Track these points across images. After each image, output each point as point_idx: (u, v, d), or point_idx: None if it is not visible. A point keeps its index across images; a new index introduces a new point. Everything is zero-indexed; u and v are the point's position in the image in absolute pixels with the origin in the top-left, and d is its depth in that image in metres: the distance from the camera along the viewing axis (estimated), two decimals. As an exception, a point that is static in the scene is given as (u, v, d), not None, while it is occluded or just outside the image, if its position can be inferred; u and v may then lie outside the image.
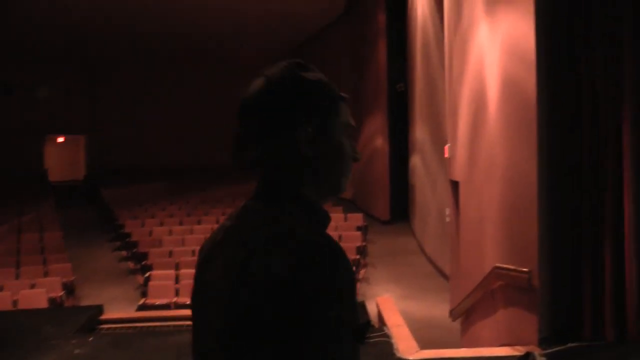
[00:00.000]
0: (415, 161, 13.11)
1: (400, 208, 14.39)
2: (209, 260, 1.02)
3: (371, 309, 6.43)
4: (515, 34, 4.65)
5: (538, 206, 4.26)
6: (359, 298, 6.44)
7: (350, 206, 15.30)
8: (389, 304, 6.07)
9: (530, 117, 4.28)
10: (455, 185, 6.59)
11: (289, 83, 1.01)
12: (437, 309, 8.20)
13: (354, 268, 0.95)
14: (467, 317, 6.18)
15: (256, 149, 1.00)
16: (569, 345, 4.52)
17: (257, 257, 0.90)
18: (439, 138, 9.26)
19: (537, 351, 4.41)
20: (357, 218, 12.56)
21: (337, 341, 0.87)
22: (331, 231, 11.37)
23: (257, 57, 21.25)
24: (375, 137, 15.44)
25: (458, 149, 6.32)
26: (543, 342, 4.51)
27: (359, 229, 11.73)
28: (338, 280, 0.88)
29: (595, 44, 4.33)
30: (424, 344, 5.08)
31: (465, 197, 6.08)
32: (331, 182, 1.05)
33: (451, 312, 6.81)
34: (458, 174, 6.35)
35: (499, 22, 4.98)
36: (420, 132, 12.19)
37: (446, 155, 6.96)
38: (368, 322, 4.39)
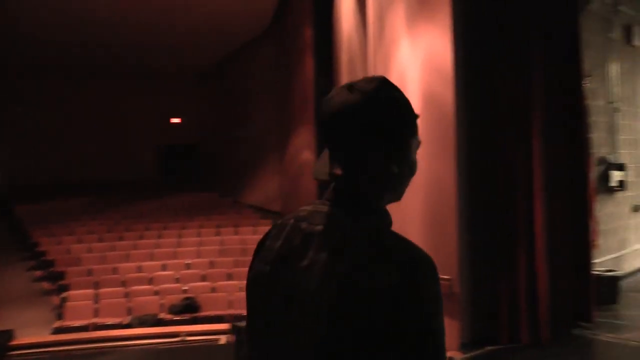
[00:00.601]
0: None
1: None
2: (287, 262, 1.05)
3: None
4: (434, 49, 4.83)
5: (457, 215, 4.42)
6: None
7: (279, 218, 15.22)
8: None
9: (448, 129, 4.45)
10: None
11: (385, 101, 1.05)
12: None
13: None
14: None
15: (345, 161, 1.05)
16: (487, 348, 4.70)
17: (370, 266, 0.95)
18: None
19: (458, 356, 4.55)
20: (285, 231, 12.52)
21: (444, 345, 0.95)
22: (259, 245, 11.27)
23: (181, 70, 20.91)
24: (303, 151, 15.50)
25: (382, 161, 6.45)
26: (463, 347, 4.66)
27: (287, 241, 11.68)
28: (440, 291, 0.98)
29: (507, 58, 4.57)
30: None
31: (389, 208, 6.20)
32: (399, 193, 1.11)
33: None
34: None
35: (419, 38, 5.15)
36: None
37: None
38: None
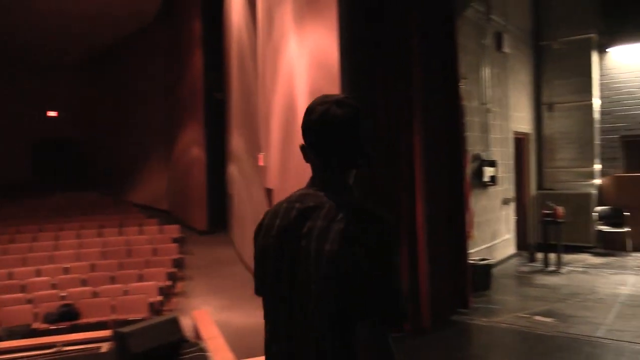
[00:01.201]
0: (233, 170, 13.08)
1: (220, 218, 14.23)
2: (288, 232, 1.41)
3: (187, 323, 6.19)
4: (321, 48, 4.87)
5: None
6: (174, 313, 6.18)
7: (167, 217, 14.69)
8: (205, 316, 5.89)
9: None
10: (269, 193, 6.69)
11: (362, 114, 1.44)
12: (255, 317, 8.22)
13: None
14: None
15: (337, 155, 1.43)
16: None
17: (350, 224, 1.34)
18: (255, 147, 9.36)
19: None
20: (173, 230, 12.08)
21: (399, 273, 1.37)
22: (144, 244, 10.76)
23: (60, 59, 19.38)
24: (192, 147, 15.09)
25: (271, 158, 6.43)
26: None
27: (175, 240, 11.28)
28: (395, 241, 1.39)
29: (389, 57, 4.73)
30: (242, 353, 5.02)
31: (279, 205, 6.20)
32: (353, 176, 1.50)
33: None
34: (272, 181, 6.45)
35: (306, 34, 5.18)
36: (236, 141, 12.20)
37: (261, 163, 7.04)
38: (181, 339, 4.15)
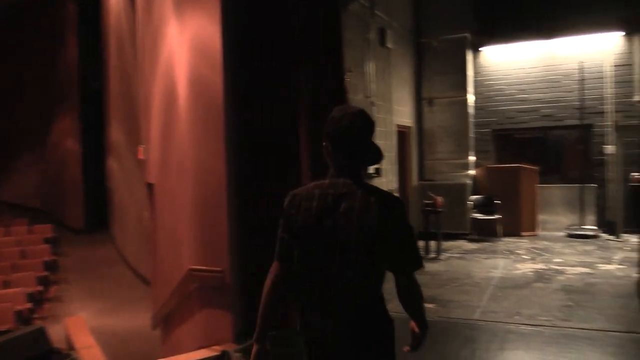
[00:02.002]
0: (112, 164, 12.31)
1: (99, 215, 13.34)
2: (325, 214, 1.85)
3: (58, 332, 5.68)
4: (203, 35, 4.64)
5: (228, 205, 4.33)
6: (39, 324, 5.65)
7: (39, 215, 13.51)
8: (79, 323, 5.46)
9: (218, 114, 4.32)
10: (150, 187, 6.33)
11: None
12: (139, 320, 7.78)
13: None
14: (167, 324, 5.99)
15: (360, 154, 1.94)
16: (262, 336, 4.74)
17: (387, 205, 1.87)
18: (135, 139, 8.83)
19: (232, 347, 4.49)
20: (45, 229, 11.14)
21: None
22: (11, 246, 9.78)
23: None
24: (66, 139, 14.00)
25: (152, 150, 6.07)
26: (238, 337, 4.62)
27: (47, 241, 10.40)
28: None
29: (275, 47, 4.62)
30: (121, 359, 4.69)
31: (160, 200, 5.88)
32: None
33: (151, 321, 6.52)
34: (152, 175, 6.10)
35: (187, 22, 4.91)
36: (116, 133, 11.48)
37: (141, 156, 6.64)
38: (49, 351, 3.74)
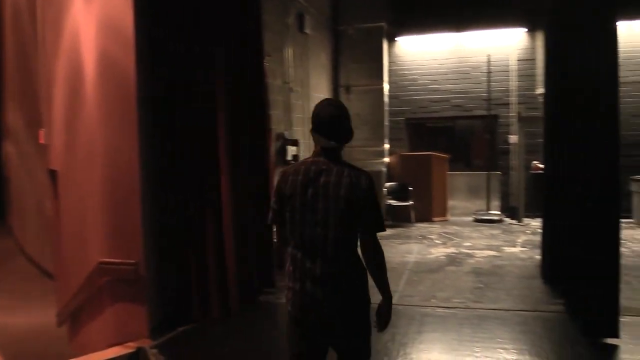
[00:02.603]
0: (9, 149, 11.34)
1: (-7, 205, 12.27)
2: (309, 183, 2.29)
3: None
4: (113, 12, 4.33)
5: (141, 193, 4.08)
6: None
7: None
8: (-28, 323, 4.95)
9: (129, 96, 4.05)
10: (54, 174, 5.85)
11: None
12: (43, 317, 7.24)
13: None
14: (75, 320, 5.61)
15: (338, 137, 2.32)
16: (179, 329, 4.54)
17: (356, 178, 2.29)
18: (36, 122, 8.15)
19: (148, 343, 4.27)
20: None
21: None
22: None
23: None
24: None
25: (55, 134, 5.61)
26: (154, 333, 4.40)
27: None
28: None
29: (192, 29, 4.40)
30: (21, 361, 4.32)
31: (64, 188, 5.45)
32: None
33: (57, 317, 6.08)
34: (56, 161, 5.64)
35: (94, -4, 4.55)
36: (13, 115, 10.57)
37: (42, 141, 6.13)
38: None
